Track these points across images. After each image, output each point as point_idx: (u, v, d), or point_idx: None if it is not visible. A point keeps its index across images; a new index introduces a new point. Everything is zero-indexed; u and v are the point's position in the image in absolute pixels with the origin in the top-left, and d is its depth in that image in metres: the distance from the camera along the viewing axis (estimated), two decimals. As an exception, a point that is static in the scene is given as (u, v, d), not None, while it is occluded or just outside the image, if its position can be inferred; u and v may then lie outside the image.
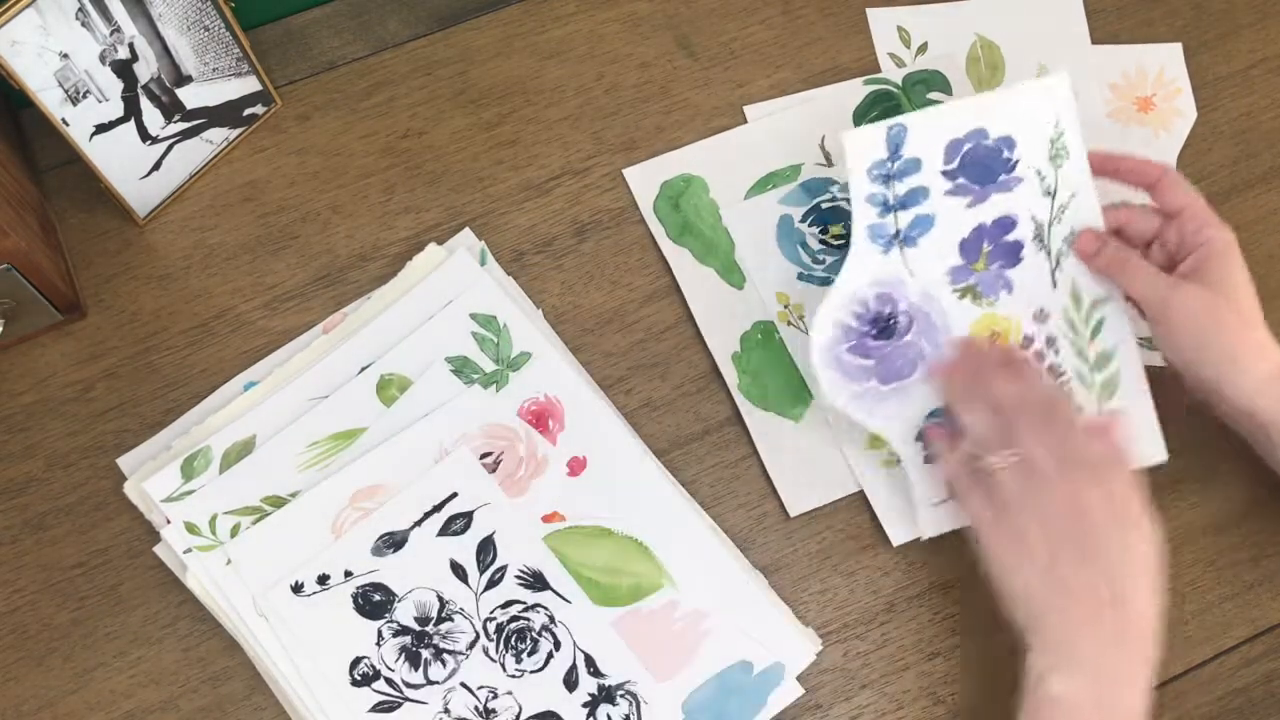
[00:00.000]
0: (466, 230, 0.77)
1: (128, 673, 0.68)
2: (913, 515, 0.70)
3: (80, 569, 0.69)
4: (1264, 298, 0.76)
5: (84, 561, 0.69)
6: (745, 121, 0.80)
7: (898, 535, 0.70)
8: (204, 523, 0.68)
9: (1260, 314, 0.66)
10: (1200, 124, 0.81)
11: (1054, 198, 0.70)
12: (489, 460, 0.69)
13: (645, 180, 0.78)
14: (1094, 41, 0.83)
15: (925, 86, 0.81)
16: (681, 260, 0.76)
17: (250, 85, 0.77)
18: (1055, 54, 0.82)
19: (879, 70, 0.82)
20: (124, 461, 0.71)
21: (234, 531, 0.68)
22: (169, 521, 0.68)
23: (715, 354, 0.74)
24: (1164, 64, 0.83)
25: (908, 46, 0.82)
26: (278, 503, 0.69)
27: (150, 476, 0.69)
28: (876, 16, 0.83)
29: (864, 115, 0.80)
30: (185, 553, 0.67)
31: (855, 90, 0.81)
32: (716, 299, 0.75)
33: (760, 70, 0.82)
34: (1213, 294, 0.65)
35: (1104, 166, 0.70)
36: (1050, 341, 0.70)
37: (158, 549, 0.69)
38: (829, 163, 0.78)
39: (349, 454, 0.69)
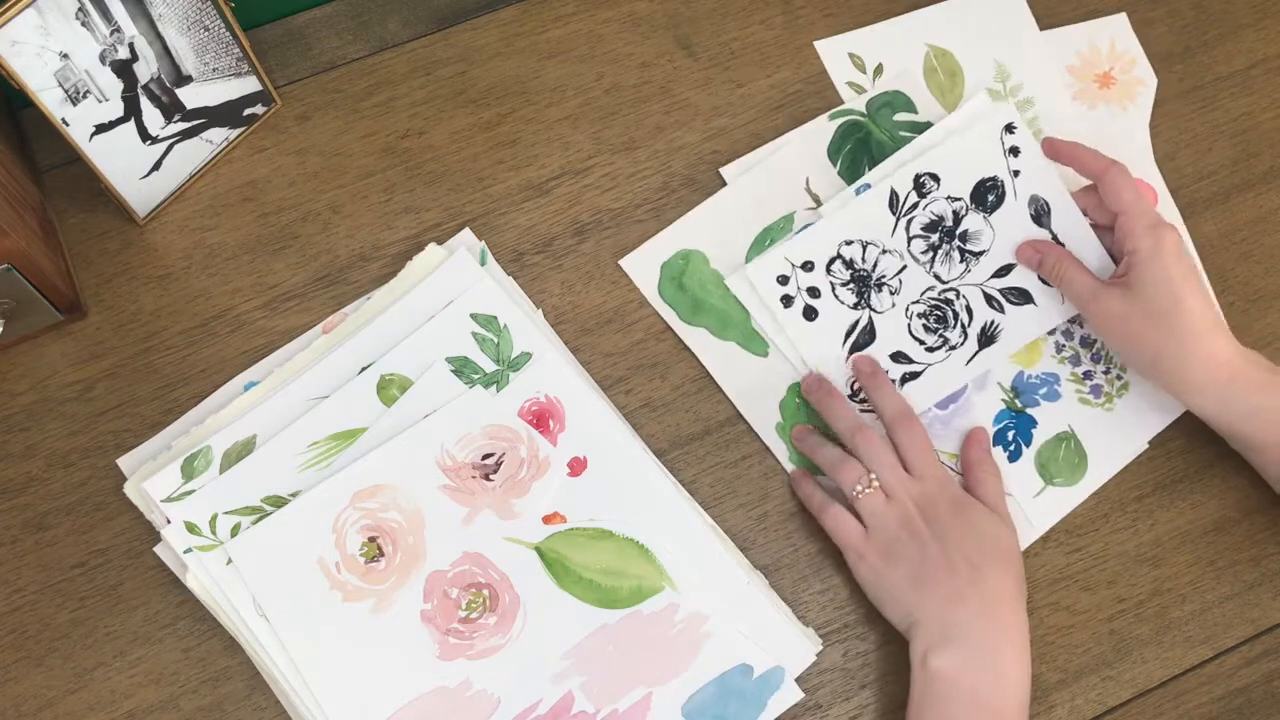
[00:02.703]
0: (466, 230, 0.77)
1: (128, 673, 0.68)
2: None
3: (80, 569, 0.69)
4: (1264, 298, 0.77)
5: (84, 561, 0.69)
6: (737, 137, 0.80)
7: None
8: (204, 523, 0.68)
9: (1201, 319, 0.66)
10: (1200, 124, 0.81)
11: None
12: (490, 461, 0.69)
13: (644, 266, 0.76)
14: (1041, 28, 0.83)
15: (890, 109, 0.80)
16: (701, 341, 0.75)
17: (250, 85, 0.77)
18: (1007, 48, 0.82)
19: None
20: (124, 461, 0.71)
21: (234, 531, 0.68)
22: (169, 521, 0.68)
23: (760, 432, 0.73)
24: (1114, 36, 0.83)
25: (864, 71, 0.81)
26: (278, 502, 0.69)
27: (150, 476, 0.69)
28: (826, 48, 0.82)
29: (839, 151, 0.79)
30: (185, 553, 0.67)
31: (823, 127, 0.79)
32: (745, 374, 0.74)
33: (760, 70, 0.82)
34: (1136, 297, 0.67)
35: (1058, 154, 0.73)
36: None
37: (158, 549, 0.69)
38: (818, 203, 0.77)
39: (349, 454, 0.69)
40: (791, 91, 0.81)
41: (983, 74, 0.81)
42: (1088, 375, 0.74)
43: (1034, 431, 0.73)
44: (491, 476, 0.69)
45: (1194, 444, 0.73)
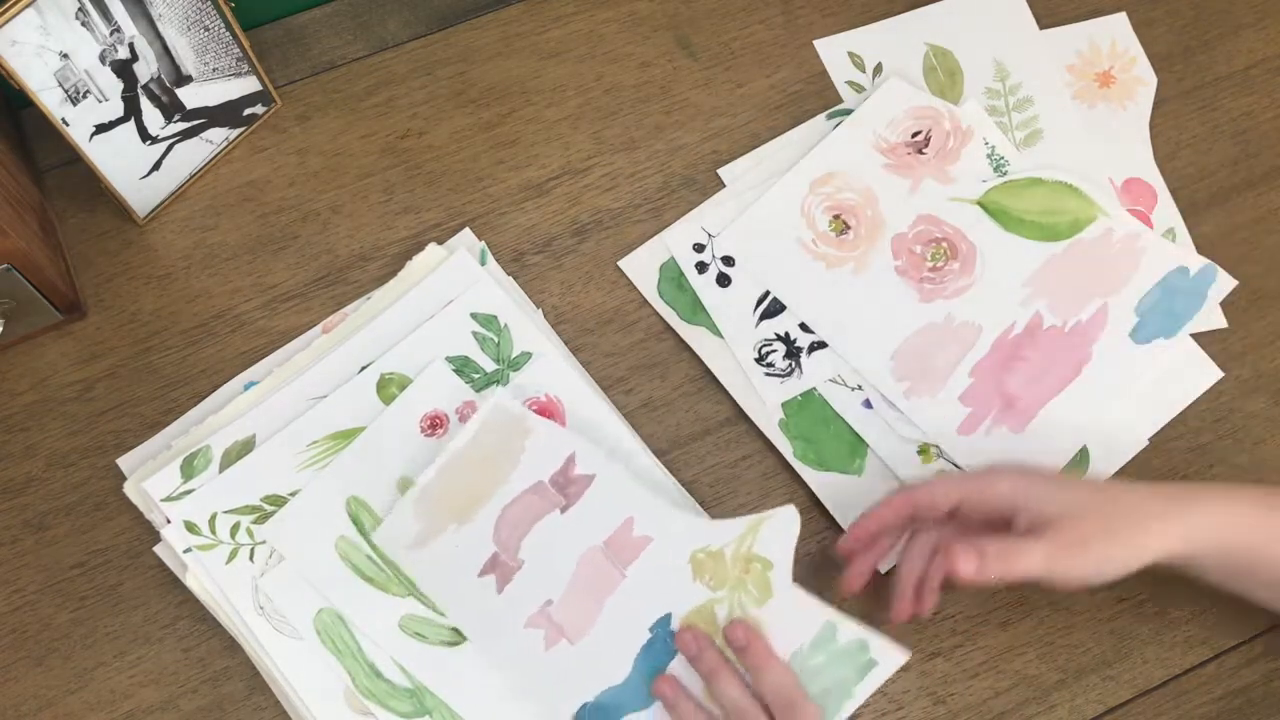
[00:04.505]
0: (466, 230, 0.77)
1: (128, 673, 0.68)
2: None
3: (80, 569, 0.69)
4: (1264, 297, 0.77)
5: (84, 561, 0.69)
6: (737, 137, 0.80)
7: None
8: (204, 522, 0.68)
9: (1120, 500, 0.62)
10: (1200, 124, 0.81)
11: None
12: (919, 137, 0.77)
13: (643, 268, 0.77)
14: (1041, 27, 0.83)
15: None
16: (701, 339, 0.75)
17: (250, 85, 0.77)
18: (1006, 47, 0.82)
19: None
20: (124, 461, 0.71)
21: (234, 531, 0.68)
22: (169, 521, 0.68)
23: (764, 429, 0.73)
24: (1114, 35, 0.83)
25: (863, 70, 0.81)
26: (278, 502, 0.69)
27: (150, 476, 0.69)
28: (825, 46, 0.82)
29: None
30: (185, 552, 0.67)
31: (820, 127, 0.80)
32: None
33: (760, 70, 0.82)
34: (1066, 533, 0.60)
35: (861, 543, 0.66)
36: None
37: (158, 549, 0.69)
38: None
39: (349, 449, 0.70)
40: (791, 91, 0.81)
41: (982, 73, 0.81)
42: None
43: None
44: (924, 150, 0.77)
45: (1194, 444, 0.73)
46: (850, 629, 0.62)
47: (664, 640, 0.64)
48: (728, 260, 0.76)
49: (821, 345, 0.74)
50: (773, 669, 0.62)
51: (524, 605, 0.66)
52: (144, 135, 0.74)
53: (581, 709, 0.64)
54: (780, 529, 0.65)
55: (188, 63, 0.73)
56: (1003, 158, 0.78)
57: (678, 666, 0.64)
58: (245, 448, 0.70)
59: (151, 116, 0.73)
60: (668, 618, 0.65)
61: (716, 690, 0.62)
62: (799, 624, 0.63)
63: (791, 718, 0.60)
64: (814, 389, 0.73)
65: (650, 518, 0.66)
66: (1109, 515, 0.61)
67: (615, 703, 0.64)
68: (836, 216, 0.77)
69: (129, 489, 0.70)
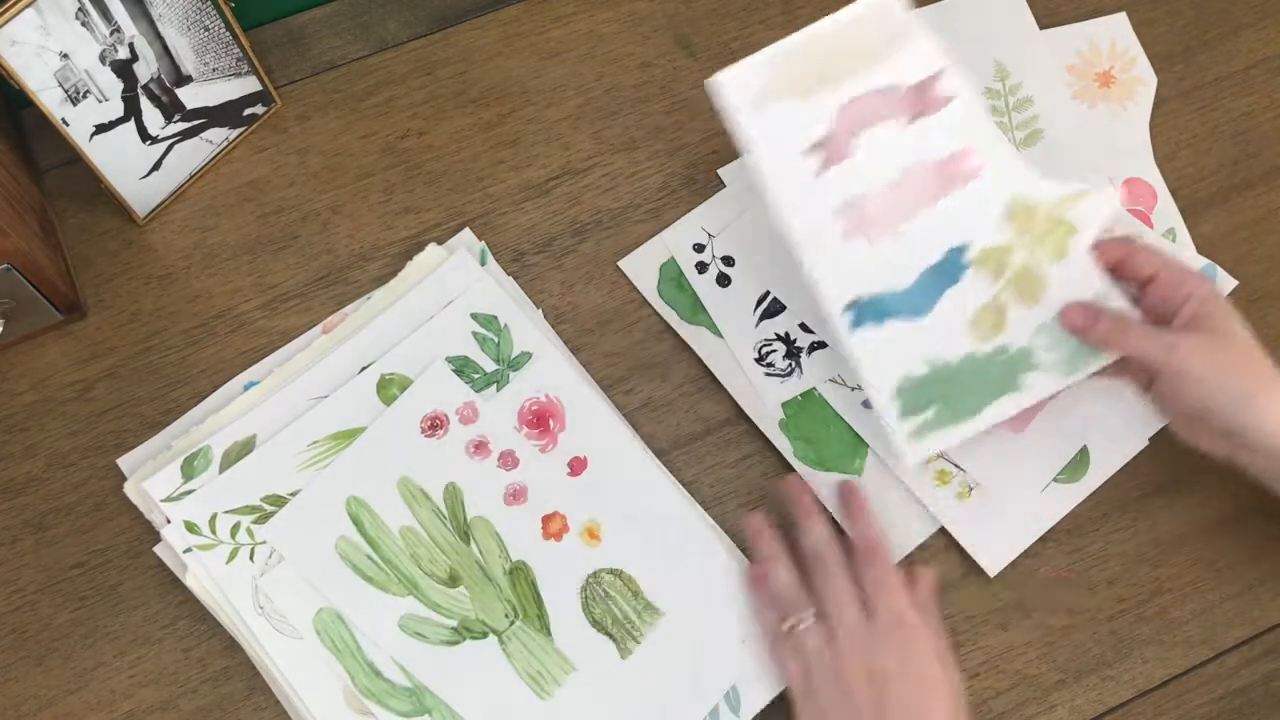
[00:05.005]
0: (466, 230, 0.77)
1: (128, 673, 0.68)
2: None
3: (80, 569, 0.69)
4: (1264, 298, 0.77)
5: (84, 561, 0.69)
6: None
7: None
8: (204, 522, 0.68)
9: (1262, 351, 0.65)
10: (1200, 124, 0.81)
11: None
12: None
13: (643, 268, 0.76)
14: (1041, 27, 0.83)
15: None
16: (701, 339, 0.75)
17: (250, 85, 0.77)
18: (1006, 47, 0.82)
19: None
20: (124, 461, 0.71)
21: (234, 531, 0.68)
22: (169, 521, 0.68)
23: (764, 428, 0.72)
24: (1114, 35, 0.83)
25: None
26: (278, 502, 0.69)
27: (150, 476, 0.69)
28: None
29: None
30: (185, 552, 0.67)
31: None
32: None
33: (760, 70, 0.82)
34: (1214, 340, 0.64)
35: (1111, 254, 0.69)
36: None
37: (158, 549, 0.69)
38: None
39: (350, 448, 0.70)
40: (791, 91, 0.81)
41: (982, 73, 0.81)
42: None
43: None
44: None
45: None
46: (1119, 301, 0.67)
47: (953, 264, 0.68)
48: (728, 260, 0.76)
49: (822, 345, 0.74)
50: (863, 517, 0.68)
51: (838, 193, 0.67)
52: (144, 135, 0.74)
53: (855, 300, 0.68)
54: (1098, 205, 0.68)
55: (188, 63, 0.73)
56: None
57: (948, 304, 0.68)
58: (245, 448, 0.70)
59: (151, 116, 0.73)
60: (965, 246, 0.68)
61: (806, 528, 0.67)
62: (1079, 290, 0.68)
63: (871, 560, 0.65)
64: (814, 389, 0.73)
65: (987, 153, 0.68)
66: (1255, 362, 0.64)
67: (889, 305, 0.68)
68: None
69: (129, 489, 0.70)
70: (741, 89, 0.67)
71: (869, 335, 0.68)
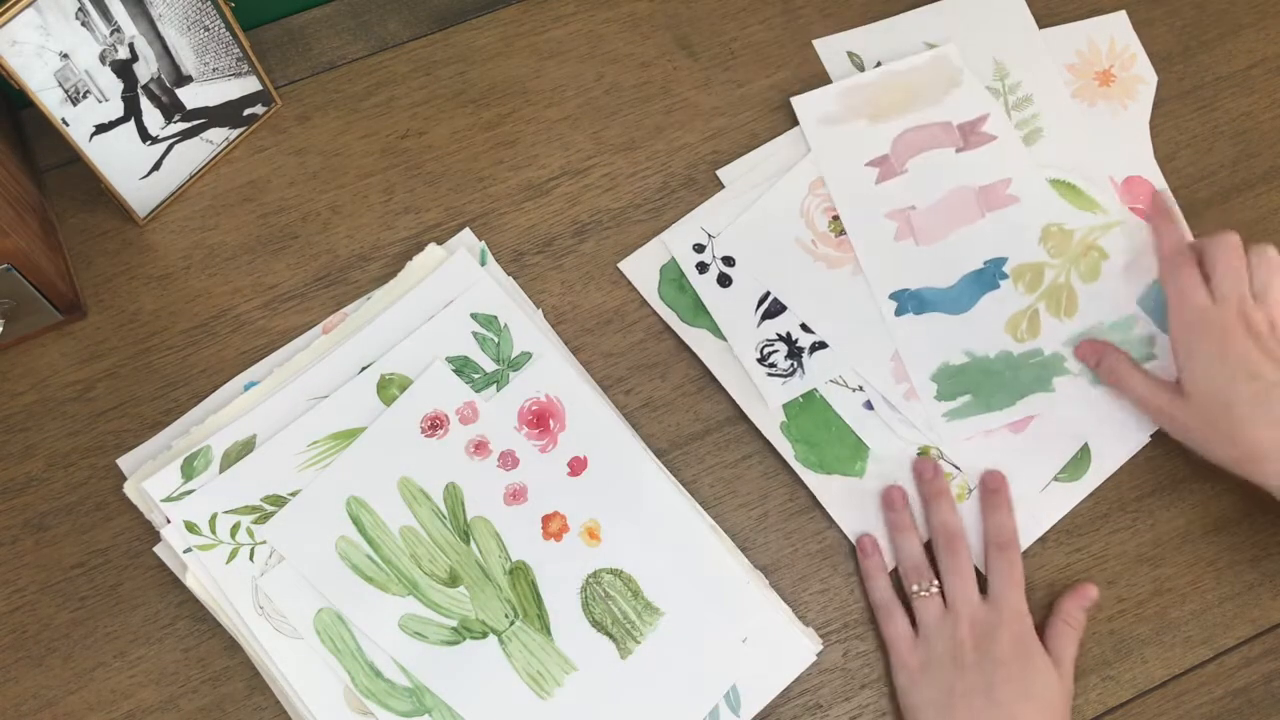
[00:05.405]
0: (466, 230, 0.77)
1: (128, 673, 0.68)
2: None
3: (80, 569, 0.69)
4: (1264, 297, 0.76)
5: (84, 561, 0.70)
6: (737, 137, 0.80)
7: None
8: (204, 522, 0.68)
9: (1252, 420, 0.65)
10: (1200, 124, 0.81)
11: None
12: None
13: (643, 270, 0.76)
14: (1040, 26, 0.83)
15: None
16: (702, 341, 0.74)
17: (250, 85, 0.77)
18: (1006, 46, 0.82)
19: (879, 70, 0.82)
20: (124, 461, 0.71)
21: (234, 531, 0.68)
22: (169, 521, 0.68)
23: (764, 431, 0.72)
24: (1113, 34, 0.83)
25: (862, 70, 0.81)
26: (278, 502, 0.69)
27: (150, 476, 0.69)
28: (825, 46, 0.82)
29: None
30: (185, 552, 0.67)
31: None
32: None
33: (760, 70, 0.82)
34: (1190, 414, 0.67)
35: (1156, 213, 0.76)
36: None
37: (158, 549, 0.69)
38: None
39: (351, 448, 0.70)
40: (791, 91, 0.81)
41: (981, 72, 0.81)
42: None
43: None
44: None
45: (1194, 444, 0.73)
46: (1147, 325, 0.74)
47: (993, 273, 0.75)
48: (728, 260, 0.76)
49: (823, 345, 0.74)
50: (1004, 510, 0.70)
51: (891, 200, 0.77)
52: (144, 135, 0.73)
53: (902, 290, 0.75)
54: (1127, 235, 0.76)
55: (188, 63, 0.73)
56: None
57: (986, 305, 0.75)
58: (245, 448, 0.70)
59: (151, 117, 0.73)
60: (1003, 259, 0.76)
61: (934, 508, 0.70)
62: (1108, 311, 0.75)
63: (1005, 556, 0.68)
64: (815, 390, 0.73)
65: (1024, 187, 0.77)
66: (1247, 448, 0.65)
67: (932, 299, 0.75)
68: (836, 218, 0.77)
69: (129, 489, 0.70)
70: (816, 107, 0.79)
71: (910, 321, 0.74)
